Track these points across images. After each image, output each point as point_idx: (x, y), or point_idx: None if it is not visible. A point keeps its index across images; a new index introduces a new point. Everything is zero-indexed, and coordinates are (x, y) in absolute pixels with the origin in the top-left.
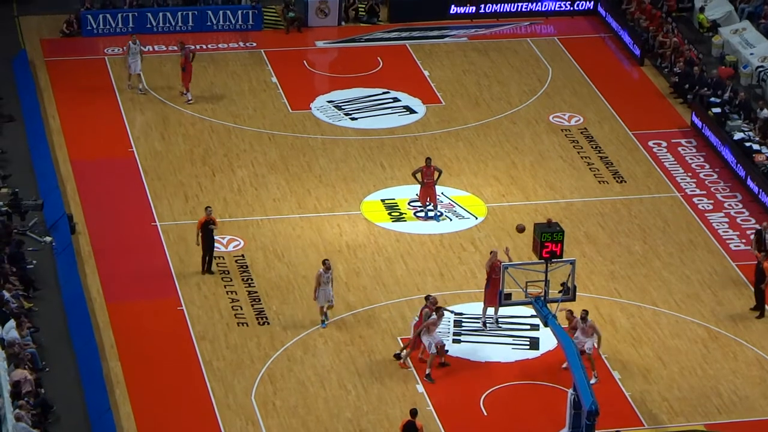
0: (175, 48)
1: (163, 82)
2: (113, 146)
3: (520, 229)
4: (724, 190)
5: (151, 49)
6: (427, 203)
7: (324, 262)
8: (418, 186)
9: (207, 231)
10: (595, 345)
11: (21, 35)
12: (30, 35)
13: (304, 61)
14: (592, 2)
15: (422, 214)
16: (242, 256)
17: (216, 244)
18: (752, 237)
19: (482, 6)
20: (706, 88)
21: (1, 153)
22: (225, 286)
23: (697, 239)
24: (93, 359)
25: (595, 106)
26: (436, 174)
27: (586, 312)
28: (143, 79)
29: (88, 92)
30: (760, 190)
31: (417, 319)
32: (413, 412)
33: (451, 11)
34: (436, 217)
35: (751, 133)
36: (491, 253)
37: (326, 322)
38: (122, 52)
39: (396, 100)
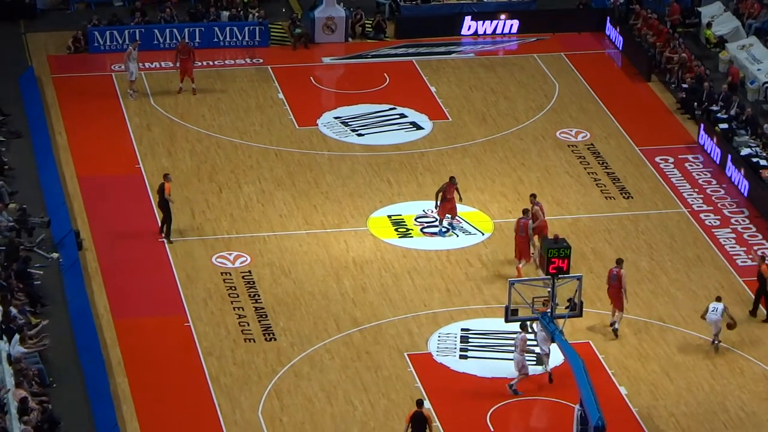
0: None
1: (170, 98)
2: (120, 162)
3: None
4: (731, 206)
5: (158, 66)
6: (446, 217)
7: (525, 327)
8: (423, 201)
9: (164, 198)
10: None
11: (28, 52)
12: (37, 52)
13: (311, 78)
14: (599, 18)
15: (436, 230)
16: (249, 272)
17: (223, 260)
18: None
19: (489, 22)
20: (714, 104)
21: (9, 169)
22: (232, 302)
23: (704, 255)
24: (100, 375)
25: (601, 121)
26: (456, 195)
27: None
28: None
29: (95, 109)
30: None
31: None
32: (419, 403)
33: (459, 27)
34: (441, 233)
35: (758, 149)
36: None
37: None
38: (124, 59)
39: (403, 116)
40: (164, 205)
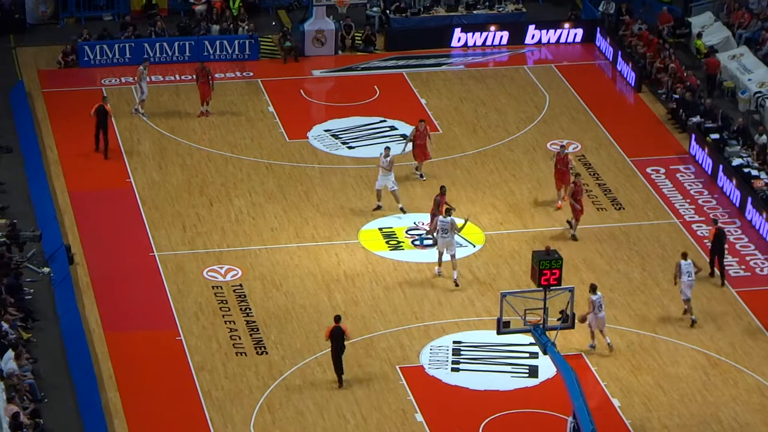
0: (173, 78)
1: (160, 112)
2: (111, 177)
3: None
4: (723, 216)
5: (148, 80)
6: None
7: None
8: (415, 214)
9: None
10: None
11: (18, 67)
12: (27, 66)
13: (301, 91)
14: (588, 29)
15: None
16: (240, 285)
17: (214, 274)
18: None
19: (479, 34)
20: (699, 116)
21: (0, 184)
22: (223, 316)
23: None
24: (92, 390)
25: (592, 132)
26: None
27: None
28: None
29: (86, 123)
30: (760, 216)
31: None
32: (337, 318)
33: (449, 39)
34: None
35: (749, 159)
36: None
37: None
38: (134, 81)
39: (393, 128)
40: (105, 125)
